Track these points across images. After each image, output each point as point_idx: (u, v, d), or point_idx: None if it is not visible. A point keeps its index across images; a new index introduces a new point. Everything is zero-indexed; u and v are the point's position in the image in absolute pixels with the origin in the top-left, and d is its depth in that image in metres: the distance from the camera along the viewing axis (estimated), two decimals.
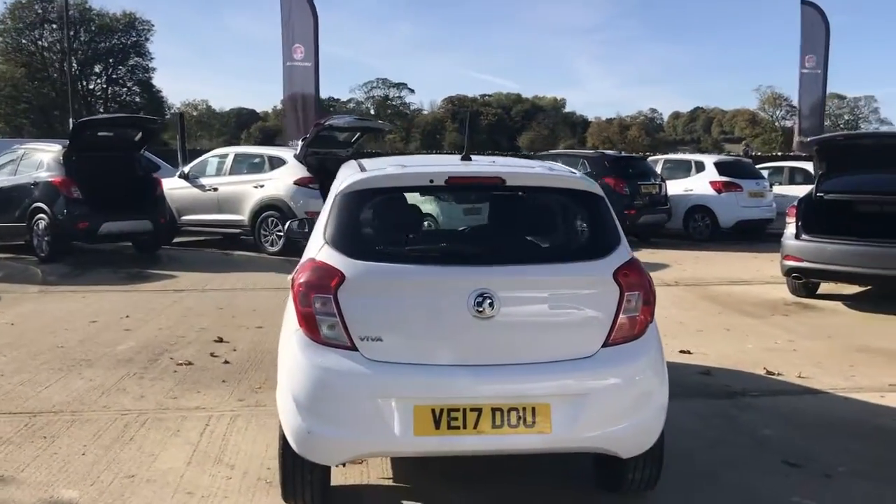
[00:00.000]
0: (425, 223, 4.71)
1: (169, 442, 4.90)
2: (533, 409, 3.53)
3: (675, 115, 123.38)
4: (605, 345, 3.68)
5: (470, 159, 4.30)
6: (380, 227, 4.07)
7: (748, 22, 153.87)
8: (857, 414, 5.52)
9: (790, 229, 9.65)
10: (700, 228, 16.63)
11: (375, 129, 15.82)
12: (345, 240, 3.75)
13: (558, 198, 3.99)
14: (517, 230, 4.07)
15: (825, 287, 10.10)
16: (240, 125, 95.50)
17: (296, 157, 13.50)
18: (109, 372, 6.39)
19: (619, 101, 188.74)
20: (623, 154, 19.67)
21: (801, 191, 17.02)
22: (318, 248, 3.78)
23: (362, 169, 4.10)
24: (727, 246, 15.68)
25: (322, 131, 13.44)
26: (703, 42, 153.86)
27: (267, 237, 13.69)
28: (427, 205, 5.11)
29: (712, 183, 16.45)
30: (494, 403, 3.53)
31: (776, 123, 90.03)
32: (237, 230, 14.21)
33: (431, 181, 3.91)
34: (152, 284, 10.92)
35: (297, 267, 3.82)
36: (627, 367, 3.68)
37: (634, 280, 3.77)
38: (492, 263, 3.74)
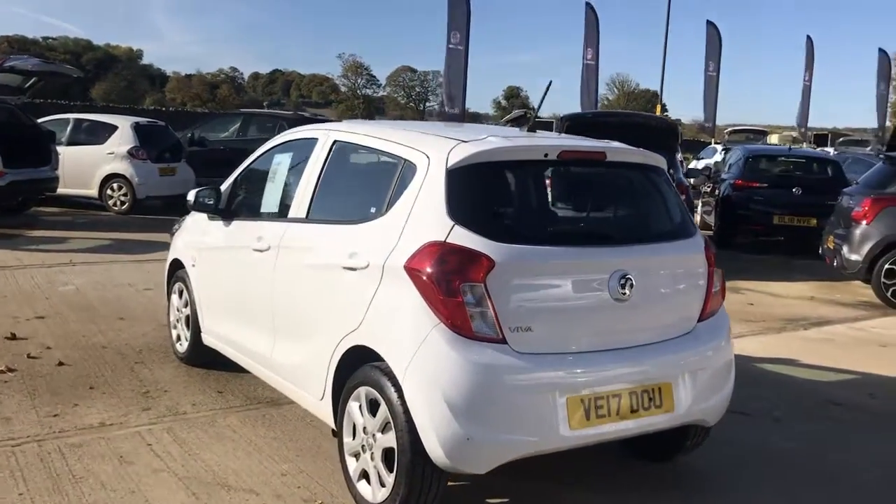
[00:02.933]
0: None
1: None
2: (659, 388, 3.58)
3: (255, 76, 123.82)
4: (699, 320, 3.84)
5: (535, 131, 4.11)
6: (510, 206, 3.70)
7: None
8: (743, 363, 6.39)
9: None
10: None
11: (64, 74, 13.53)
12: (481, 220, 3.37)
13: (645, 174, 3.99)
14: (622, 208, 3.99)
15: None
16: None
17: None
18: None
19: (198, 57, 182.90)
20: (320, 116, 19.36)
21: None
22: (443, 229, 3.32)
23: (449, 138, 3.66)
24: None
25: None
26: (283, 4, 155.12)
27: None
28: None
29: None
30: (632, 387, 3.51)
31: (357, 91, 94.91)
32: None
33: (546, 155, 3.66)
34: None
35: (416, 252, 3.33)
36: (719, 339, 3.88)
37: (713, 256, 3.98)
38: (624, 243, 3.70)
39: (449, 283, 3.24)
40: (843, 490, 4.11)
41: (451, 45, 23.36)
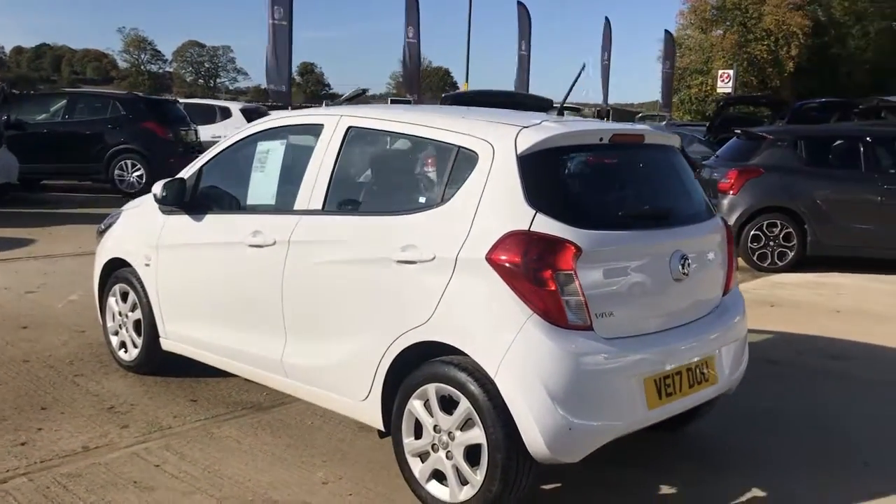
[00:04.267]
0: None
1: None
2: (707, 363, 3.77)
3: (19, 51, 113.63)
4: (723, 294, 4.08)
5: (563, 114, 4.15)
6: (581, 191, 3.70)
7: None
8: None
9: None
10: None
11: None
12: (560, 207, 3.36)
13: (670, 155, 4.12)
14: (665, 189, 4.08)
15: None
16: None
17: None
18: None
19: None
20: (154, 96, 18.05)
21: None
22: (525, 217, 3.27)
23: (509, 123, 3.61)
24: None
25: None
26: None
27: None
28: None
29: None
30: (689, 364, 3.66)
31: (142, 67, 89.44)
32: None
33: (601, 139, 3.71)
34: None
35: (498, 242, 3.27)
36: (740, 311, 4.13)
37: (731, 233, 4.23)
38: (677, 224, 3.82)
39: (540, 272, 3.20)
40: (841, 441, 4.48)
41: (274, 21, 22.57)
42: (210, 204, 4.58)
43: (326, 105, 19.56)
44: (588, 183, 3.75)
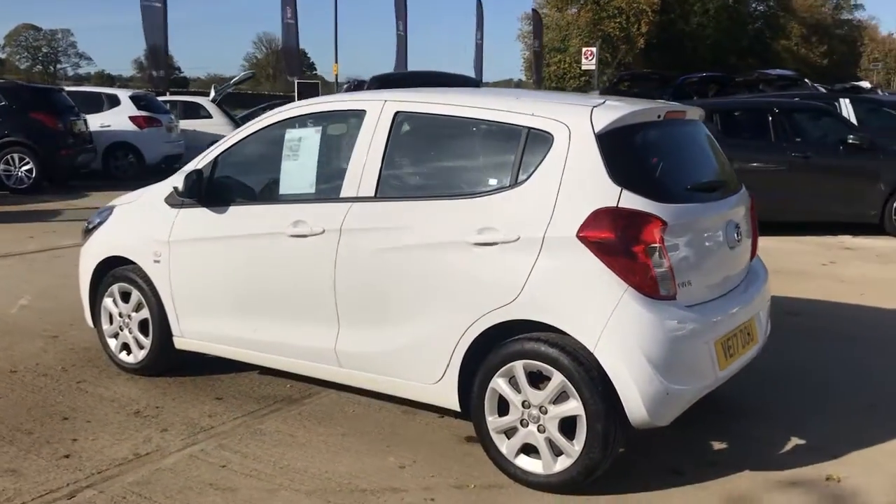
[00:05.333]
0: None
1: None
2: (751, 323, 4.04)
3: None
4: (750, 259, 4.37)
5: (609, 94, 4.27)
6: (654, 167, 3.81)
7: None
8: None
9: None
10: (124, 166, 15.68)
11: None
12: (641, 182, 3.52)
13: (702, 130, 4.28)
14: (709, 162, 4.21)
15: None
16: None
17: None
18: None
19: None
20: (39, 84, 16.81)
21: (204, 125, 17.57)
22: (612, 194, 3.41)
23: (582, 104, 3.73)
24: None
25: None
26: None
27: None
28: None
29: (133, 118, 15.58)
30: (742, 325, 3.91)
31: None
32: None
33: (658, 116, 3.89)
34: None
35: (588, 220, 3.40)
36: (766, 274, 4.41)
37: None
38: (725, 195, 4.05)
39: (633, 247, 3.34)
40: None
41: (145, 3, 21.63)
42: (231, 195, 4.45)
43: (215, 89, 18.93)
44: (657, 158, 3.88)
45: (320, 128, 4.26)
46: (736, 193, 4.12)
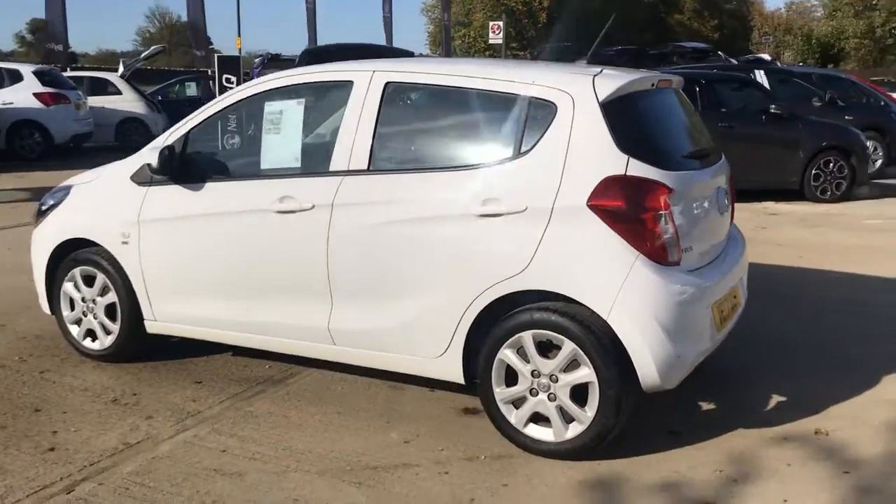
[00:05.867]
0: None
1: None
2: (736, 287, 4.14)
3: None
4: (730, 224, 4.49)
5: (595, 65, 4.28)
6: (654, 134, 3.83)
7: None
8: None
9: None
10: (30, 146, 14.88)
11: None
12: (646, 150, 3.55)
13: (682, 98, 4.33)
14: (693, 129, 4.24)
15: None
16: None
17: None
18: None
19: None
20: None
21: (113, 101, 16.87)
22: (620, 163, 3.42)
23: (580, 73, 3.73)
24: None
25: None
26: None
27: None
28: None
29: (38, 95, 14.79)
30: (731, 290, 4.00)
31: None
32: None
33: (652, 84, 3.93)
34: None
35: (597, 188, 3.40)
36: (743, 239, 4.52)
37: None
38: (713, 162, 4.15)
39: (643, 214, 3.38)
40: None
41: None
42: (207, 171, 4.27)
43: (124, 64, 18.13)
44: (655, 127, 3.92)
45: (303, 100, 4.13)
46: (720, 160, 4.21)
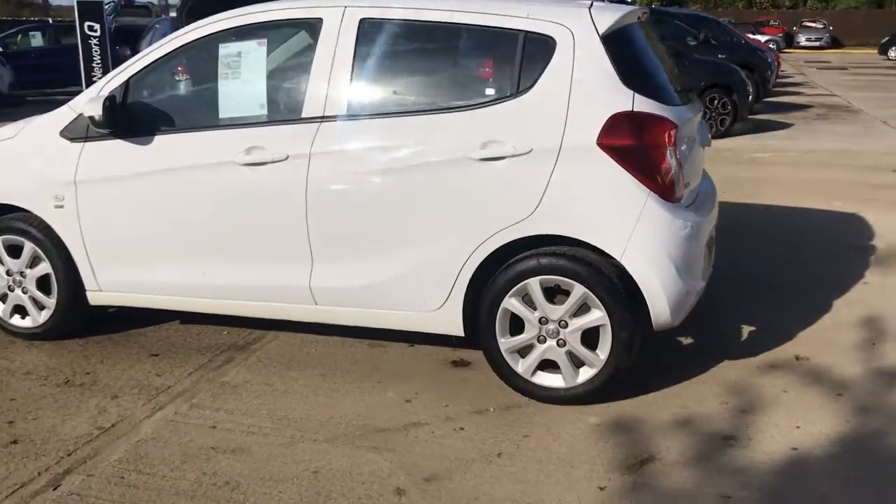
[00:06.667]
0: None
1: None
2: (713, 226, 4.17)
3: None
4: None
5: None
6: (648, 69, 3.71)
7: None
8: None
9: None
10: None
11: None
12: (647, 85, 3.47)
13: (653, 33, 4.23)
14: (670, 64, 4.16)
15: None
16: None
17: None
18: None
19: None
20: None
21: None
22: (626, 99, 3.30)
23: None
24: None
25: None
26: None
27: None
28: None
29: None
30: (712, 227, 3.99)
31: None
32: None
33: (639, 18, 3.84)
34: None
35: (606, 126, 3.27)
36: (710, 178, 4.48)
37: None
38: (694, 97, 4.12)
39: (653, 151, 3.31)
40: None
41: None
42: (156, 123, 3.85)
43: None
44: (648, 61, 3.80)
45: (264, 40, 3.77)
46: (695, 96, 4.20)
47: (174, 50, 3.85)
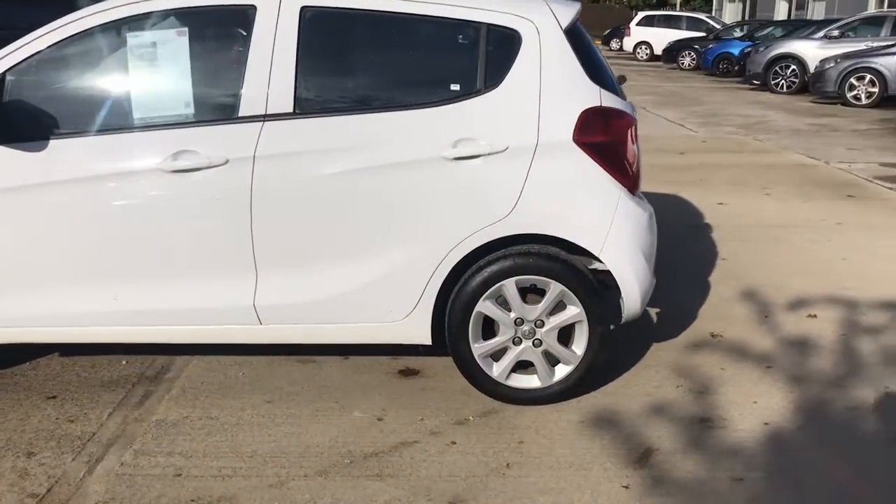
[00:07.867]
0: None
1: None
2: None
3: None
4: None
5: None
6: (599, 63, 3.61)
7: None
8: None
9: None
10: None
11: None
12: (605, 80, 3.46)
13: None
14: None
15: None
16: None
17: None
18: None
19: None
20: None
21: None
22: (594, 94, 3.28)
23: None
24: None
25: None
26: None
27: None
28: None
29: None
30: None
31: None
32: None
33: (579, 12, 3.82)
34: None
35: (579, 122, 3.23)
36: None
37: None
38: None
39: (622, 147, 3.33)
40: None
41: None
42: (47, 126, 3.24)
43: None
44: (596, 56, 3.66)
45: (185, 29, 3.29)
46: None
47: (62, 39, 3.25)
